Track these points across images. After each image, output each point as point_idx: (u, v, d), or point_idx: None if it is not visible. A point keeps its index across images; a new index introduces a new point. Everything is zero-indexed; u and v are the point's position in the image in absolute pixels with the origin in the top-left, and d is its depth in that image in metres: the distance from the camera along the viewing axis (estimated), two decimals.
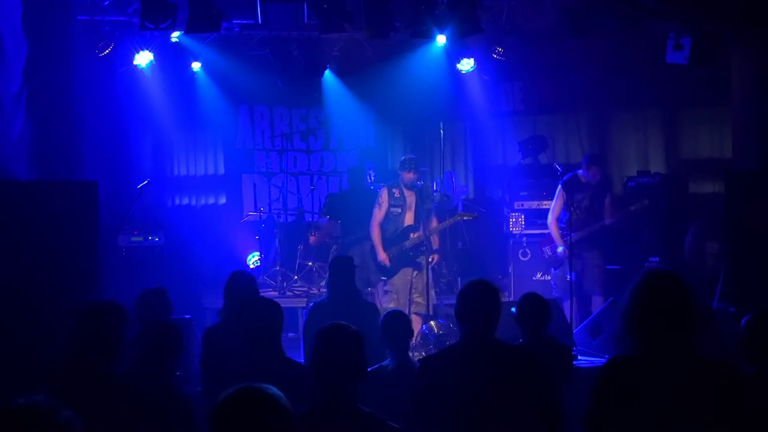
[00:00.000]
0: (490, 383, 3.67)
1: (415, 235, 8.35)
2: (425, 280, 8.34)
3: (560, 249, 8.76)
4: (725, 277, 7.24)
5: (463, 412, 3.66)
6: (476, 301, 3.79)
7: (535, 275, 9.57)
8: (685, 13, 8.36)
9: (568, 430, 3.80)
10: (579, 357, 7.14)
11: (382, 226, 8.47)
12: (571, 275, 8.24)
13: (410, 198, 8.43)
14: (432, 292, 8.47)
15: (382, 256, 8.37)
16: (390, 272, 8.40)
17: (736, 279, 6.94)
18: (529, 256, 9.72)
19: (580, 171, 8.89)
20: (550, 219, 8.91)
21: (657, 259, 8.75)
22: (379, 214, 8.47)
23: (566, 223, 8.58)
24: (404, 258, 8.38)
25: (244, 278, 5.64)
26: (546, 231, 9.33)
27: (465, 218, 8.93)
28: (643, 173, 9.84)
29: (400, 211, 8.40)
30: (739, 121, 8.46)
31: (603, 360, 7.25)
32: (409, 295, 8.41)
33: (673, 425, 2.98)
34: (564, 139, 11.02)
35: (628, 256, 9.22)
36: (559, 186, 8.74)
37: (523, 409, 3.69)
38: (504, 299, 3.96)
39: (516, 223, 9.82)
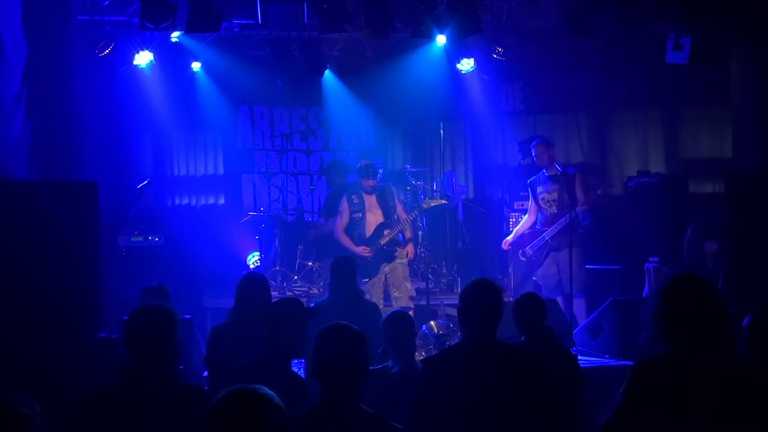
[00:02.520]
0: (493, 383, 3.67)
1: (389, 232, 8.43)
2: (399, 273, 8.47)
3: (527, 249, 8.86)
4: (725, 277, 7.24)
5: (465, 412, 3.66)
6: (478, 301, 3.80)
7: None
8: (685, 13, 8.35)
9: (572, 429, 3.80)
10: (579, 357, 7.13)
11: (347, 231, 8.63)
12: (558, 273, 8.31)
13: (369, 201, 8.62)
14: (408, 285, 8.52)
15: (360, 249, 8.43)
16: (371, 272, 8.45)
17: (736, 279, 6.93)
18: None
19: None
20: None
21: (657, 259, 8.74)
22: (341, 222, 8.68)
23: (543, 223, 8.71)
24: (383, 256, 8.50)
25: (257, 280, 5.64)
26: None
27: (433, 204, 8.96)
28: (643, 173, 9.84)
29: (360, 215, 8.61)
30: (739, 121, 8.45)
31: (603, 360, 7.27)
32: (388, 292, 8.55)
33: (706, 426, 2.97)
34: (564, 139, 11.01)
35: (628, 256, 9.22)
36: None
37: (526, 409, 3.69)
38: (504, 299, 3.95)
39: (516, 223, 9.83)
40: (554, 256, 8.65)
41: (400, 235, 8.58)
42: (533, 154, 8.91)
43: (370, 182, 8.55)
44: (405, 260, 8.59)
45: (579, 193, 8.69)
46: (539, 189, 8.80)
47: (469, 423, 3.66)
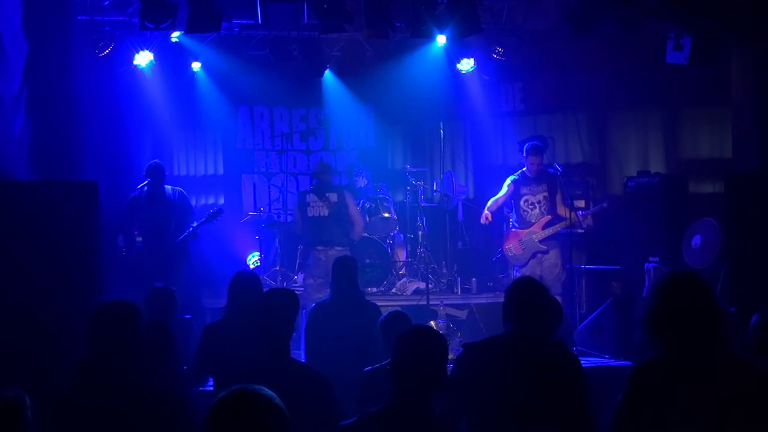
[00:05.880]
0: (528, 379, 3.71)
1: None
2: None
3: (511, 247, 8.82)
4: (725, 277, 7.25)
5: (495, 402, 3.69)
6: (527, 296, 3.88)
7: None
8: (685, 13, 8.36)
9: None
10: (579, 357, 7.13)
11: None
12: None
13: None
14: None
15: None
16: None
17: (737, 279, 6.94)
18: None
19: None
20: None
21: (657, 259, 8.75)
22: None
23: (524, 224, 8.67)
24: None
25: (250, 278, 5.70)
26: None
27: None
28: (643, 173, 9.83)
29: None
30: (739, 121, 8.46)
31: (603, 360, 7.28)
32: None
33: (707, 428, 2.96)
34: (564, 139, 11.01)
35: (628, 256, 9.22)
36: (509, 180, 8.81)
37: (554, 413, 3.71)
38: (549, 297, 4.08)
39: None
40: (540, 258, 8.63)
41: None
42: (525, 165, 8.78)
43: None
44: None
45: (560, 197, 8.68)
46: (524, 190, 8.73)
47: (497, 412, 3.69)
